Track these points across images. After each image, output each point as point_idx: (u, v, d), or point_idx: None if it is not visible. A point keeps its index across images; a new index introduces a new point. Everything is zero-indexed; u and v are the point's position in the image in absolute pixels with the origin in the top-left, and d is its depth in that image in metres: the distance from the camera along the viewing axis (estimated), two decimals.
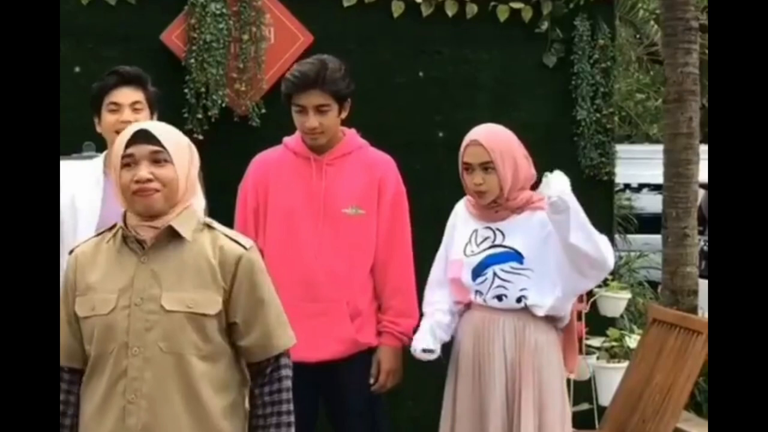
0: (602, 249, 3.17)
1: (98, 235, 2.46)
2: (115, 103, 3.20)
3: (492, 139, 3.25)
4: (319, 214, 3.29)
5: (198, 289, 2.32)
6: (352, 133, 3.42)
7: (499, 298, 3.26)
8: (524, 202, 3.28)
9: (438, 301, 3.35)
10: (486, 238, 3.29)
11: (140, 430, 2.28)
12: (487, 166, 3.23)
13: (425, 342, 3.24)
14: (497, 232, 3.29)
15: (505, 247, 3.25)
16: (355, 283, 3.33)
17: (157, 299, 2.31)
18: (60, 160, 3.45)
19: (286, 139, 3.43)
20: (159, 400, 2.29)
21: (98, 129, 3.28)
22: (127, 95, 3.21)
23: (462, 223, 3.36)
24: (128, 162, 2.32)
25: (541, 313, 3.25)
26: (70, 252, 2.45)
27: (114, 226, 2.41)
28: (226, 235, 2.40)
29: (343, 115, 3.34)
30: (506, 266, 3.24)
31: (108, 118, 3.21)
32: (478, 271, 3.27)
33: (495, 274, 3.25)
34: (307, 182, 3.30)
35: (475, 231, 3.32)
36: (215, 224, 2.44)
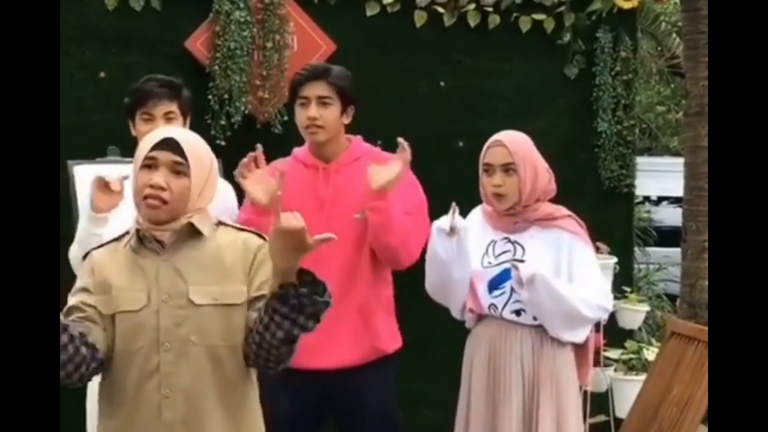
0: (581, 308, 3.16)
1: (113, 240, 2.48)
2: (148, 113, 3.24)
3: (515, 142, 3.25)
4: (326, 222, 3.29)
5: (223, 282, 2.36)
6: (357, 139, 3.44)
7: (518, 313, 3.24)
8: (544, 215, 3.25)
9: None
10: (505, 252, 3.26)
11: (178, 424, 2.32)
12: (508, 168, 3.21)
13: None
14: (516, 245, 3.25)
15: (524, 262, 3.21)
16: (366, 289, 3.32)
17: (185, 294, 2.35)
18: (83, 164, 3.51)
19: (296, 150, 3.45)
20: (195, 393, 2.33)
21: (133, 133, 3.33)
22: (160, 106, 3.25)
23: (477, 233, 3.30)
24: (149, 164, 2.37)
25: (553, 333, 3.23)
26: (84, 256, 2.48)
27: (127, 232, 2.45)
28: (242, 230, 2.47)
29: (345, 120, 3.37)
30: None
31: (142, 128, 3.25)
32: (495, 284, 3.24)
33: (513, 290, 3.22)
34: (315, 190, 3.32)
35: (493, 242, 3.29)
36: (228, 221, 2.52)
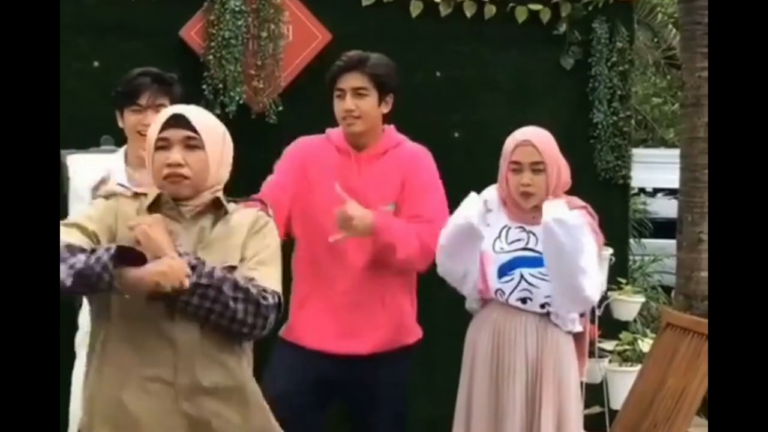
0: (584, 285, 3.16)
1: (134, 194, 2.46)
2: (138, 104, 3.23)
3: (543, 141, 3.27)
4: None
5: (224, 260, 2.39)
6: (390, 129, 3.43)
7: (524, 300, 3.26)
8: None
9: None
10: (518, 239, 3.28)
11: (193, 388, 2.35)
12: (537, 167, 3.23)
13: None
14: (530, 234, 3.27)
15: (537, 252, 3.24)
16: (391, 279, 3.32)
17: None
18: (76, 153, 3.49)
19: (330, 130, 3.42)
20: (204, 358, 2.36)
21: (120, 124, 3.31)
22: (151, 99, 3.24)
23: (491, 214, 3.30)
24: (162, 145, 2.38)
25: (557, 321, 3.25)
26: (100, 194, 2.48)
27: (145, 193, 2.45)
28: (246, 205, 2.52)
29: (384, 109, 3.35)
30: (535, 271, 3.23)
31: (130, 118, 3.24)
32: (504, 270, 3.26)
33: (522, 277, 3.24)
34: (346, 178, 3.30)
35: (507, 228, 3.30)
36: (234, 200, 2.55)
